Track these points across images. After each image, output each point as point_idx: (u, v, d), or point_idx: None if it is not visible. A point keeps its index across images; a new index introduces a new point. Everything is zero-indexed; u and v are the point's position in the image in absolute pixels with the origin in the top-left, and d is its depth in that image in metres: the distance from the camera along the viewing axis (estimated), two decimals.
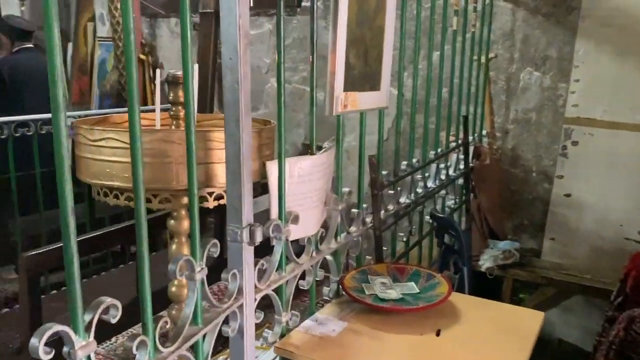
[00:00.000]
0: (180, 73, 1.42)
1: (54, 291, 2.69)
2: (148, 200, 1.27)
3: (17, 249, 2.88)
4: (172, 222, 1.45)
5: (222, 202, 1.29)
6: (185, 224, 1.44)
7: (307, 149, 1.45)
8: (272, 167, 1.37)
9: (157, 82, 1.46)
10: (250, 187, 1.21)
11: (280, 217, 1.32)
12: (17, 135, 2.95)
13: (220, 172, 1.27)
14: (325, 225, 1.54)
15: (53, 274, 2.78)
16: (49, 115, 2.91)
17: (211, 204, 1.31)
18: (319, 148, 1.44)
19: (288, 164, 1.35)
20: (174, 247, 1.46)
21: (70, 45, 5.22)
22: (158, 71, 1.50)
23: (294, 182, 1.38)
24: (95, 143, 1.25)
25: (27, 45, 3.65)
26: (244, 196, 1.18)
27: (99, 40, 4.69)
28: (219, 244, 1.04)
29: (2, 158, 2.93)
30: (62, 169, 0.75)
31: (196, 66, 1.35)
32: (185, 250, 1.46)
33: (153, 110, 1.49)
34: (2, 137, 2.90)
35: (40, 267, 1.90)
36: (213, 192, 1.30)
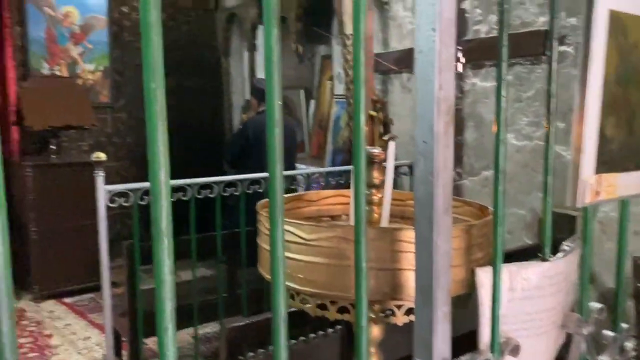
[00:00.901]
0: (376, 151, 1.19)
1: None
2: (323, 307, 1.04)
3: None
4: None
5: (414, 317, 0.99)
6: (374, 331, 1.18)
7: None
8: (483, 277, 1.02)
9: (390, 159, 1.20)
10: (447, 310, 0.89)
11: (492, 348, 0.96)
12: (225, 194, 3.03)
13: (412, 281, 0.98)
14: (561, 356, 1.12)
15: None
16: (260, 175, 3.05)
17: (400, 319, 1.03)
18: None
19: (507, 273, 1.00)
20: None
21: (312, 102, 5.53)
22: (391, 145, 1.25)
23: (516, 299, 1.02)
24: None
25: None
26: (436, 323, 0.87)
27: (335, 98, 4.85)
28: None
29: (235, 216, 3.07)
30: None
31: (392, 144, 1.10)
32: None
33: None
34: (236, 193, 3.05)
35: (242, 340, 1.83)
36: (402, 305, 1.02)
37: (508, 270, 1.03)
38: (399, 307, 1.03)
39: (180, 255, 3.24)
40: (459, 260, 1.03)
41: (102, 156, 2.59)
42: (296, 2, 4.48)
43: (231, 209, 3.30)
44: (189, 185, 2.80)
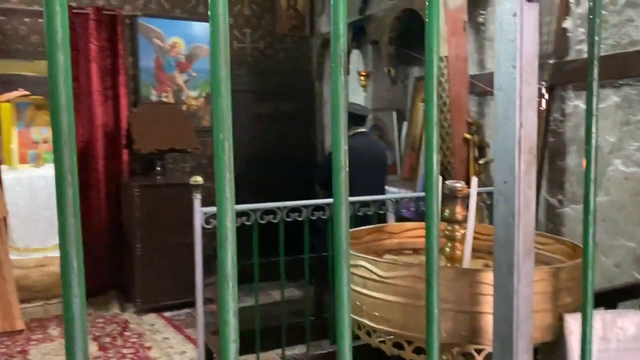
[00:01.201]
0: (459, 185, 1.15)
1: None
2: (399, 346, 1.02)
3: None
4: None
5: None
6: None
7: None
8: (573, 324, 0.96)
9: (473, 195, 1.16)
10: (529, 358, 0.85)
11: None
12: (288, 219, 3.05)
13: (492, 326, 0.94)
14: None
15: None
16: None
17: None
18: None
19: (600, 321, 0.93)
20: None
21: (405, 124, 5.49)
22: (474, 180, 1.22)
23: (610, 350, 0.94)
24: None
25: (360, 130, 3.92)
26: None
27: None
28: None
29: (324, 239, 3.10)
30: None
31: (475, 180, 1.06)
32: None
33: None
34: (324, 217, 3.08)
35: None
36: (482, 349, 0.97)
37: (601, 318, 0.95)
38: (478, 351, 0.98)
39: (271, 276, 3.30)
40: (545, 305, 0.96)
41: (199, 180, 2.72)
42: (389, 26, 4.50)
43: (320, 231, 3.34)
44: (278, 208, 2.87)
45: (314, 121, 6.01)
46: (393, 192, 4.47)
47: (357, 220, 3.14)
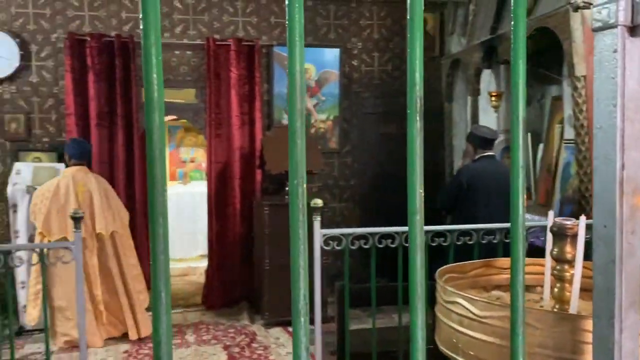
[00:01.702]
0: (569, 223, 1.09)
1: None
2: None
3: None
4: None
5: None
6: None
7: None
8: None
9: (581, 234, 1.12)
10: None
11: None
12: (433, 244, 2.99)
13: None
14: None
15: None
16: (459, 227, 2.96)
17: None
18: None
19: None
20: None
21: (540, 147, 5.19)
22: (582, 219, 1.16)
23: None
24: (446, 304, 1.07)
25: (487, 154, 3.79)
26: None
27: (564, 143, 4.47)
28: None
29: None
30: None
31: (583, 218, 1.00)
32: None
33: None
34: (444, 243, 3.01)
35: None
36: None
37: None
38: None
39: (394, 300, 3.27)
40: None
41: (318, 202, 2.82)
42: None
43: (444, 256, 3.27)
44: (396, 232, 2.87)
45: (443, 143, 5.91)
46: (526, 219, 4.24)
47: (480, 249, 3.03)
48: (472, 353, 1.00)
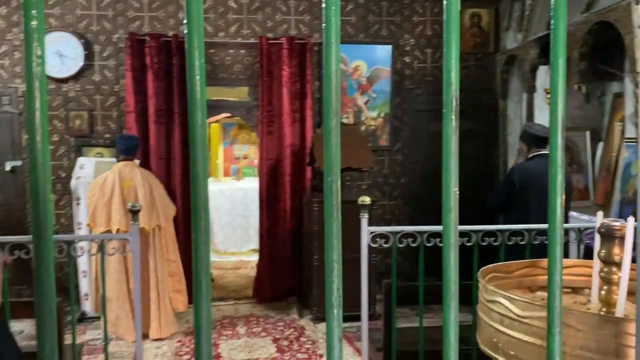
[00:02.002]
0: (617, 224, 1.07)
1: None
2: None
3: None
4: None
5: None
6: None
7: None
8: None
9: (629, 235, 1.09)
10: None
11: None
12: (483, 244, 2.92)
13: None
14: None
15: None
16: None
17: None
18: None
19: None
20: None
21: (600, 145, 5.00)
22: (630, 220, 1.13)
23: None
24: (487, 303, 1.07)
25: (541, 152, 3.69)
26: None
27: (625, 141, 4.29)
28: None
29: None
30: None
31: (631, 219, 0.97)
32: None
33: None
34: (495, 243, 2.96)
35: None
36: None
37: None
38: None
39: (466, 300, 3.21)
40: None
41: (366, 200, 2.83)
42: (580, 40, 4.16)
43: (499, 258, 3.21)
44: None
45: (497, 140, 5.78)
46: (583, 220, 4.10)
47: (532, 249, 2.96)
48: (512, 353, 1.00)
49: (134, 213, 2.74)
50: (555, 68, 0.70)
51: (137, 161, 4.60)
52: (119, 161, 4.41)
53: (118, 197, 4.16)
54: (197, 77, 0.57)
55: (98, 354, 4.07)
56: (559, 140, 0.71)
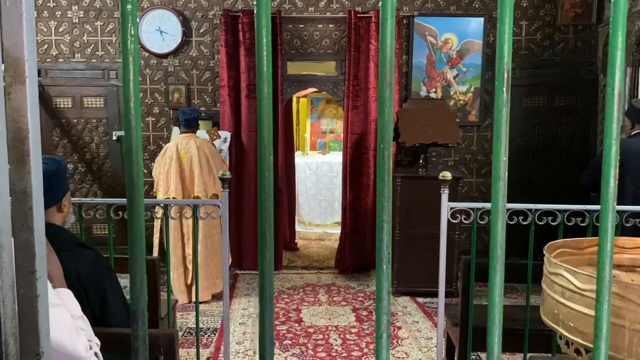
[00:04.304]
0: None
1: None
2: None
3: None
4: None
5: None
6: None
7: None
8: None
9: None
10: None
11: None
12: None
13: None
14: None
15: None
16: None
17: None
18: None
19: None
20: None
21: None
22: None
23: None
24: (550, 275, 1.08)
25: None
26: None
27: None
28: None
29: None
30: None
31: None
32: None
33: None
34: (553, 223, 2.84)
35: None
36: None
37: None
38: None
39: (523, 278, 3.17)
40: None
41: (447, 175, 2.83)
42: None
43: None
44: (529, 209, 2.78)
45: (595, 117, 5.46)
46: None
47: (623, 232, 2.83)
48: (571, 325, 1.01)
49: (224, 181, 2.92)
50: (614, 41, 0.70)
51: (201, 132, 4.85)
52: (181, 133, 4.64)
53: (175, 168, 4.44)
54: (264, 53, 0.64)
55: (185, 312, 4.40)
56: (615, 114, 0.72)
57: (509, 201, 2.60)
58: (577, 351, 1.03)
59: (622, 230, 2.80)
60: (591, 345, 0.99)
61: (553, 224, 2.81)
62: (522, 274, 2.92)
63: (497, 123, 0.71)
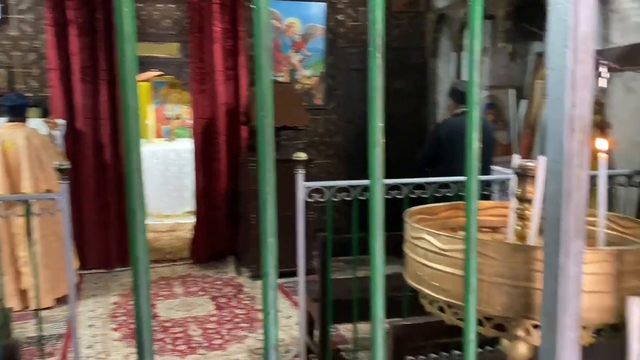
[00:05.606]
0: (531, 164, 1.16)
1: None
2: (479, 323, 1.05)
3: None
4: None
5: None
6: (520, 349, 1.15)
7: None
8: (633, 306, 0.94)
9: (539, 174, 1.16)
10: (574, 336, 0.86)
11: None
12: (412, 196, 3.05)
13: None
14: None
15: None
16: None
17: (535, 340, 0.99)
18: None
19: None
20: None
21: (523, 103, 5.26)
22: (541, 159, 1.20)
23: None
24: (413, 240, 1.14)
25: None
26: (561, 349, 0.84)
27: (545, 98, 4.53)
28: None
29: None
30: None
31: (543, 159, 1.06)
32: None
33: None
34: (424, 196, 3.09)
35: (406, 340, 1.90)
36: (539, 325, 0.98)
37: None
38: (536, 326, 1.00)
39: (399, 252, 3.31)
40: (607, 286, 0.95)
41: (302, 155, 2.87)
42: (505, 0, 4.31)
43: None
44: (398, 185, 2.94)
45: (427, 99, 5.94)
46: (507, 174, 4.33)
47: (459, 200, 3.11)
48: (435, 284, 1.07)
49: (62, 171, 2.65)
50: (473, 27, 0.75)
51: (35, 121, 4.38)
52: (8, 122, 4.16)
53: (0, 160, 3.97)
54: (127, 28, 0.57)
55: (21, 321, 3.97)
56: (476, 93, 0.77)
57: (355, 179, 2.71)
58: (441, 309, 1.10)
59: (458, 199, 3.08)
60: (454, 301, 1.06)
61: (399, 197, 3.01)
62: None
63: (371, 90, 0.72)
